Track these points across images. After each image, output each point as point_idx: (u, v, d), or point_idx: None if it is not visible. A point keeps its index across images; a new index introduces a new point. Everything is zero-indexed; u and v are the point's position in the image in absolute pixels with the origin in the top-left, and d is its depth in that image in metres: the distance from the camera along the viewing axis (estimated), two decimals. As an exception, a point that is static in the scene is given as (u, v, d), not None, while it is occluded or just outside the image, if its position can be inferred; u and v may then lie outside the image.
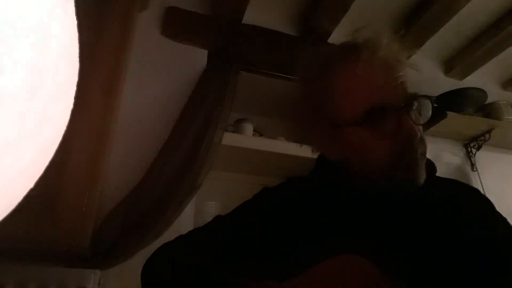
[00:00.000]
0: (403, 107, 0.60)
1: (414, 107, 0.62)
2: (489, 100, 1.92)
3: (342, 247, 0.55)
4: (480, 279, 0.56)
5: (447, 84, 1.96)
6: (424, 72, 1.99)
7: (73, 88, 0.23)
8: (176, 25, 1.54)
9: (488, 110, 1.93)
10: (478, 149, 1.91)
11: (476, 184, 1.82)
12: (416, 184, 0.60)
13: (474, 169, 1.87)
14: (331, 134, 0.67)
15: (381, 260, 0.51)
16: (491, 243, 0.61)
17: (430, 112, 0.63)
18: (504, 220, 0.67)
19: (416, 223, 0.61)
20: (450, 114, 1.74)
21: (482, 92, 1.88)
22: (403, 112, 0.60)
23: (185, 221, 1.26)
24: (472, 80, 2.05)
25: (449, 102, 1.80)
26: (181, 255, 0.69)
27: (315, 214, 0.65)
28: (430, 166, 0.67)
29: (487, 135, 1.87)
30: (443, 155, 1.83)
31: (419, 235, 0.60)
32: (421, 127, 0.63)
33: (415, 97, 0.63)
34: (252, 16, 1.66)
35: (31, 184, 0.22)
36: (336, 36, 1.77)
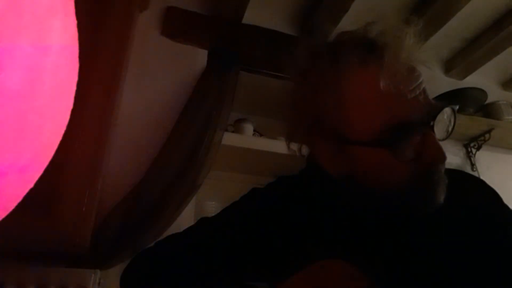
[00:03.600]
0: (428, 122, 0.51)
1: (439, 121, 0.52)
2: (489, 100, 1.92)
3: (329, 252, 0.52)
4: (487, 278, 0.52)
5: (447, 84, 1.96)
6: (424, 72, 1.99)
7: (73, 88, 0.23)
8: (176, 25, 1.54)
9: (488, 110, 1.92)
10: (478, 149, 1.91)
11: (476, 184, 1.82)
12: (436, 205, 0.53)
13: (474, 169, 1.87)
14: (336, 149, 0.56)
15: (368, 266, 0.49)
16: (500, 239, 0.55)
17: (453, 124, 0.55)
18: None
19: (415, 225, 0.57)
20: (450, 114, 1.74)
21: (482, 92, 1.88)
22: (429, 128, 0.51)
23: (185, 221, 1.26)
24: (472, 80, 2.05)
25: (449, 102, 1.80)
26: (160, 262, 0.65)
27: (304, 217, 0.61)
28: None
29: (487, 135, 1.87)
30: (443, 155, 1.82)
31: (418, 240, 0.56)
32: None
33: (440, 108, 0.53)
34: (252, 16, 1.65)
35: (31, 184, 0.22)
36: (336, 36, 1.77)
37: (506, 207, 0.61)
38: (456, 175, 0.65)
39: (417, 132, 0.51)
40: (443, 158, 0.52)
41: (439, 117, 0.52)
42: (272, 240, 0.61)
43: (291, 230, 0.61)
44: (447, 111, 0.54)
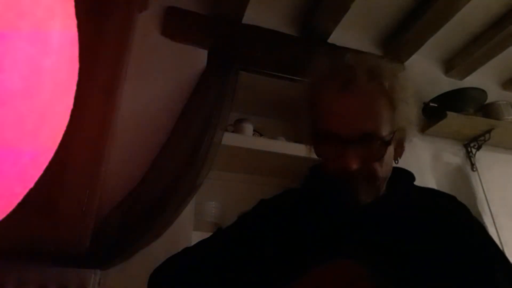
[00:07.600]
0: (346, 140, 0.64)
1: (363, 143, 0.64)
2: (489, 100, 1.92)
3: (334, 254, 0.56)
4: (459, 277, 0.59)
5: (447, 84, 1.96)
6: (424, 72, 1.99)
7: (73, 88, 0.23)
8: (176, 25, 1.54)
9: (488, 110, 1.92)
10: (478, 149, 1.91)
11: (476, 184, 1.82)
12: (355, 201, 0.66)
13: (474, 169, 1.87)
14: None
15: (370, 265, 0.53)
16: (469, 246, 0.64)
17: (381, 153, 0.66)
18: (481, 226, 0.71)
19: (397, 229, 0.64)
20: (450, 114, 1.74)
21: (482, 92, 1.88)
22: (346, 144, 0.64)
23: (185, 221, 1.26)
24: (472, 80, 2.05)
25: (449, 102, 1.80)
26: (186, 269, 0.71)
27: (310, 224, 0.69)
28: (408, 177, 0.74)
29: (487, 135, 1.86)
30: (443, 155, 1.82)
31: (401, 240, 0.62)
32: (375, 156, 0.65)
33: (365, 135, 0.64)
34: (252, 16, 1.66)
35: (31, 184, 0.22)
36: (336, 36, 1.77)
37: (475, 218, 0.71)
38: (429, 192, 0.76)
39: (331, 141, 0.65)
40: (348, 167, 0.64)
41: (366, 141, 0.64)
42: (284, 247, 0.66)
43: (302, 235, 0.67)
44: (369, 139, 0.65)
